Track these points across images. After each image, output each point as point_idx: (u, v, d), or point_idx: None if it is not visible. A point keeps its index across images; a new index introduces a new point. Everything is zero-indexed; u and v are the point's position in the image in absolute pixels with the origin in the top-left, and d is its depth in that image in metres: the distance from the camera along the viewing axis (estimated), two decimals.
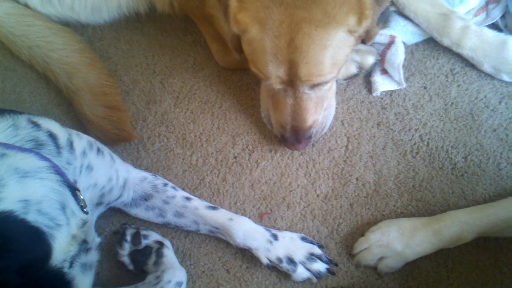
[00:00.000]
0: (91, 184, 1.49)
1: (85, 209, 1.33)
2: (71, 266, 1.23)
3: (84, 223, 1.30)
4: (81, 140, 1.49)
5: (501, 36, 1.79)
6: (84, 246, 1.30)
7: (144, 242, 1.76)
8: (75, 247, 1.25)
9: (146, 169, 1.86)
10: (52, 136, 1.36)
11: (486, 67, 1.83)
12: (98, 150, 1.56)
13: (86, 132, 1.89)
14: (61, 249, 1.18)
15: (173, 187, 1.77)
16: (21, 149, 1.23)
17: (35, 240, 1.10)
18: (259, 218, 1.81)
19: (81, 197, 1.32)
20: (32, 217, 1.13)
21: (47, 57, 1.91)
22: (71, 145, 1.41)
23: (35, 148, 1.29)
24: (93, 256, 1.37)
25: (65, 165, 1.36)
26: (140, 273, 1.74)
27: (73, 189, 1.30)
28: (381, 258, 1.69)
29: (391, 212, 1.78)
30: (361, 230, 1.77)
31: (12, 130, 1.29)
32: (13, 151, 1.21)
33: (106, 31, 2.10)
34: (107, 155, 1.60)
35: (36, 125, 1.35)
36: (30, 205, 1.14)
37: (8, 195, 1.11)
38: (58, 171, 1.27)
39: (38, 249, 1.12)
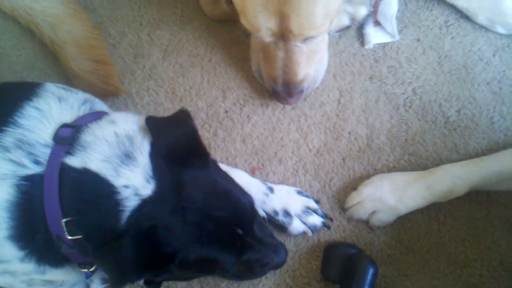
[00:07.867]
0: None
1: None
2: None
3: None
4: None
5: None
6: None
7: None
8: None
9: None
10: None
11: (481, 19, 1.80)
12: None
13: (73, 87, 1.86)
14: None
15: None
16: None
17: None
18: (251, 173, 1.80)
19: None
20: None
21: (30, 9, 1.83)
22: None
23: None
24: None
25: None
26: None
27: None
28: (373, 212, 1.69)
29: (383, 167, 1.78)
30: (353, 185, 1.76)
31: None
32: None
33: None
34: None
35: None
36: None
37: None
38: None
39: None
